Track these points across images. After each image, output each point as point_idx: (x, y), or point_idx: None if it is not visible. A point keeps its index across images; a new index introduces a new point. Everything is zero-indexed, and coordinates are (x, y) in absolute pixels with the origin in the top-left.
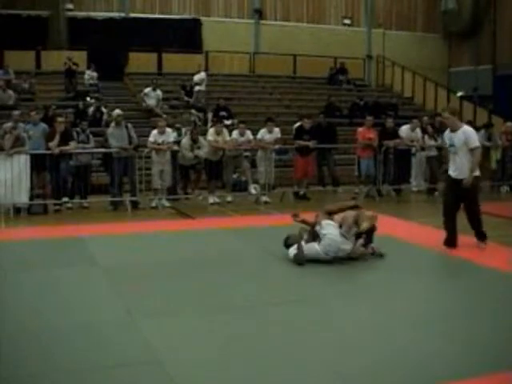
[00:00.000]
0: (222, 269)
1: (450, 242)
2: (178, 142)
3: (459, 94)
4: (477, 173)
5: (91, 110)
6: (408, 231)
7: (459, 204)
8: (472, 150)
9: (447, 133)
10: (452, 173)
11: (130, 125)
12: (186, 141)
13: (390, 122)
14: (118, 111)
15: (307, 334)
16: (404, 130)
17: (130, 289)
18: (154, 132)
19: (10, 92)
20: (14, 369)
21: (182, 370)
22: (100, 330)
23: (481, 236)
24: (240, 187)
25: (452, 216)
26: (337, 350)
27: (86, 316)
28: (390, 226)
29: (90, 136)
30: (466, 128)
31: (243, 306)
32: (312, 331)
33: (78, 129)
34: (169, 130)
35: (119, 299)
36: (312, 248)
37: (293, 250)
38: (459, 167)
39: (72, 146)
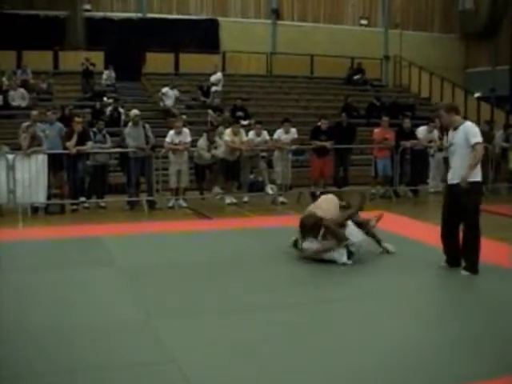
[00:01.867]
0: (238, 270)
1: (453, 261)
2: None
3: (476, 94)
4: (478, 177)
5: (108, 110)
6: (424, 233)
7: (458, 221)
8: (473, 147)
9: (450, 132)
10: (448, 178)
11: (147, 125)
12: (202, 141)
13: (407, 123)
14: (135, 111)
15: (323, 335)
16: (421, 130)
17: (147, 289)
18: (171, 132)
19: (22, 91)
20: (31, 367)
21: (197, 370)
22: (116, 330)
23: (471, 267)
24: (257, 187)
25: (449, 236)
26: (354, 352)
27: (102, 316)
28: (406, 227)
29: (107, 136)
30: (467, 124)
31: (259, 307)
32: (327, 333)
33: (95, 129)
34: (186, 130)
35: (135, 299)
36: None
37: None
38: (456, 169)
39: (89, 146)
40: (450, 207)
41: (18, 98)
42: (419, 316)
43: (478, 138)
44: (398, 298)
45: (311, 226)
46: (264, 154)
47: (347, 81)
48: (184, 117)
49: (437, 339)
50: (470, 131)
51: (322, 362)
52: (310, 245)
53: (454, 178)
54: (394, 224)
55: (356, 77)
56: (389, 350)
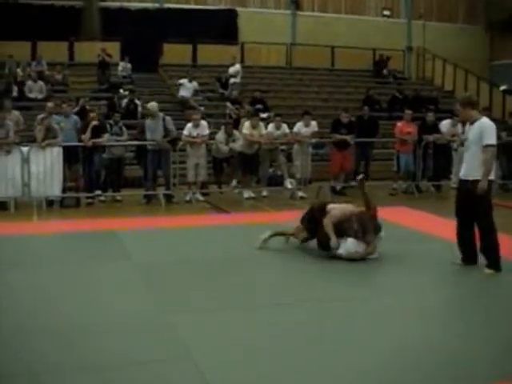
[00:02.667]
0: (253, 266)
1: (470, 259)
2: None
3: (502, 87)
4: (491, 176)
5: (124, 102)
6: (445, 229)
7: (472, 218)
8: (484, 148)
9: (466, 126)
10: (460, 174)
11: (168, 117)
12: (220, 134)
13: (430, 116)
14: (152, 104)
15: (339, 333)
16: (445, 124)
17: (162, 285)
18: (189, 125)
19: (41, 83)
20: (45, 362)
21: (213, 366)
22: (132, 325)
23: (493, 265)
24: (276, 182)
25: (464, 234)
26: (365, 351)
27: (118, 311)
28: (427, 223)
29: (124, 128)
30: (484, 120)
31: (270, 305)
32: (337, 333)
33: (111, 121)
34: (203, 122)
35: (151, 295)
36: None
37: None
38: (469, 165)
39: (105, 139)
40: (464, 204)
41: (36, 90)
42: (433, 315)
43: (492, 140)
44: (411, 295)
45: (318, 210)
46: (283, 147)
47: (374, 73)
48: (202, 109)
49: (449, 338)
50: (485, 130)
51: (329, 362)
52: (353, 247)
53: (465, 174)
54: (415, 220)
55: (385, 70)
56: (394, 351)
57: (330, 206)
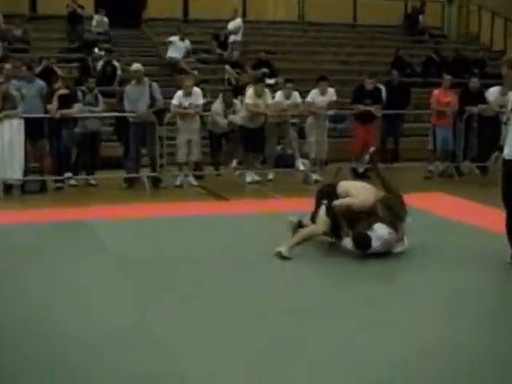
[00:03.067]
0: (256, 264)
1: None
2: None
3: None
4: None
5: (100, 64)
6: (490, 220)
7: None
8: None
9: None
10: (504, 153)
11: (154, 84)
12: (218, 104)
13: (474, 82)
14: (137, 65)
15: (359, 340)
16: (492, 92)
17: (147, 287)
18: (179, 93)
19: None
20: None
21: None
22: (111, 334)
23: None
24: (285, 162)
25: None
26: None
27: (94, 318)
28: (468, 213)
29: (99, 97)
30: None
31: (272, 311)
32: (354, 336)
33: (84, 88)
34: (197, 90)
35: (134, 299)
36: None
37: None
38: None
39: (76, 109)
40: (509, 188)
41: None
42: (474, 321)
43: None
44: (440, 299)
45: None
46: (294, 120)
47: (407, 29)
48: (195, 73)
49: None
50: None
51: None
52: (384, 231)
53: (509, 153)
54: (454, 209)
55: (419, 26)
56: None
57: (345, 185)
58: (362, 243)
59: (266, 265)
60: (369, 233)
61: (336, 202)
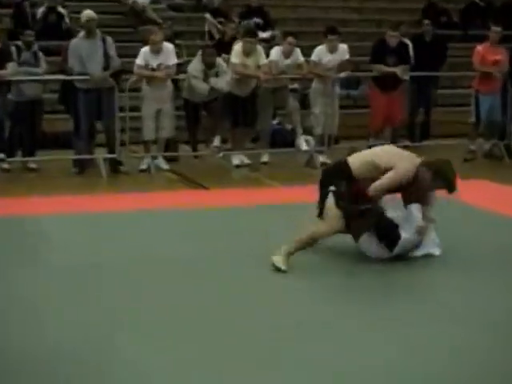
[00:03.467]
0: (242, 272)
1: None
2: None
3: None
4: None
5: (41, 11)
6: None
7: None
8: None
9: None
10: None
11: (109, 39)
12: (196, 65)
13: None
14: (89, 13)
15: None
16: None
17: (101, 300)
18: (145, 50)
19: None
20: None
21: None
22: (58, 361)
23: None
24: (283, 140)
25: None
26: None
27: (39, 339)
28: None
29: (40, 54)
30: None
31: (260, 328)
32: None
33: (20, 43)
34: (169, 46)
35: (86, 315)
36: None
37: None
38: None
39: (9, 71)
40: None
41: None
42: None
43: None
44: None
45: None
46: (295, 85)
47: None
48: (168, 23)
49: None
50: None
51: None
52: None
53: None
54: (502, 201)
55: None
56: None
57: (362, 158)
58: (389, 235)
59: (255, 274)
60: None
61: (372, 189)
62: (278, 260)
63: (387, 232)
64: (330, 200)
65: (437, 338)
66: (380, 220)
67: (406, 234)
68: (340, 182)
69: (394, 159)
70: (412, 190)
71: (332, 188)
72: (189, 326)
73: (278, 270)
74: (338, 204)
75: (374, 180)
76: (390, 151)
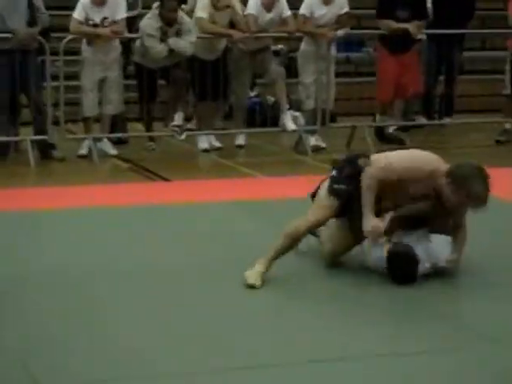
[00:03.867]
0: (212, 287)
1: None
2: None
3: None
4: None
5: None
6: None
7: None
8: None
9: None
10: None
11: None
12: (151, 20)
13: None
14: None
15: None
16: None
17: (27, 322)
18: (84, 1)
19: None
20: None
21: None
22: None
23: None
24: (263, 117)
25: None
26: None
27: None
28: None
29: None
30: None
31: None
32: None
33: None
34: None
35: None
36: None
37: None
38: None
39: None
40: None
41: None
42: None
43: None
44: None
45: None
46: (280, 47)
47: None
48: None
49: None
50: None
51: None
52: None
53: None
54: None
55: None
56: None
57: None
58: (405, 271)
59: (227, 290)
60: (417, 247)
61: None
62: (251, 275)
63: (401, 264)
64: (324, 186)
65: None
66: (395, 244)
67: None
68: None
69: (412, 159)
70: (437, 212)
71: (333, 173)
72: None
73: (252, 287)
74: (329, 188)
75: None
76: (419, 155)
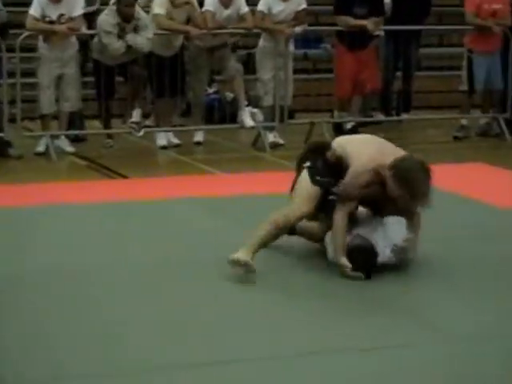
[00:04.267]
0: (175, 287)
1: None
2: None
3: None
4: None
5: None
6: None
7: None
8: None
9: None
10: None
11: None
12: (108, 17)
13: None
14: None
15: None
16: None
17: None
18: None
19: None
20: None
21: None
22: None
23: None
24: (222, 114)
25: None
26: None
27: None
28: None
29: None
30: None
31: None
32: None
33: None
34: None
35: None
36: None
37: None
38: None
39: None
40: None
41: None
42: None
43: None
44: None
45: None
46: (238, 43)
47: None
48: None
49: None
50: None
51: None
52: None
53: None
54: (503, 190)
55: None
56: None
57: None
58: (365, 264)
59: (181, 280)
60: (374, 235)
61: (338, 189)
62: (239, 255)
63: (361, 257)
64: (304, 177)
65: None
66: (354, 238)
67: (380, 259)
68: (316, 158)
69: (362, 150)
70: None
71: (307, 164)
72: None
73: (240, 264)
74: (313, 179)
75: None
76: (366, 141)
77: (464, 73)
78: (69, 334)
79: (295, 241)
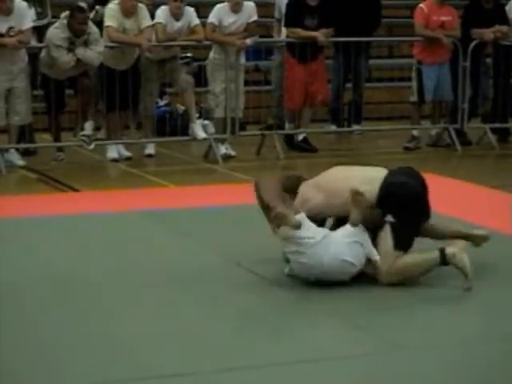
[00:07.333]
0: (127, 301)
1: None
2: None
3: None
4: None
5: None
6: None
7: None
8: None
9: None
10: None
11: None
12: (58, 30)
13: None
14: None
15: None
16: None
17: None
18: None
19: None
20: None
21: None
22: None
23: None
24: (173, 126)
25: None
26: None
27: None
28: (480, 206)
29: None
30: None
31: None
32: None
33: None
34: (22, 4)
35: None
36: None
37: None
38: None
39: None
40: None
41: None
42: None
43: None
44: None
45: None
46: (188, 54)
47: None
48: None
49: None
50: None
51: None
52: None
53: None
54: (452, 199)
55: None
56: None
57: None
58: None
59: (131, 296)
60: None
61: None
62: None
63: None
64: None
65: None
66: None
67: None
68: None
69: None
70: None
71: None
72: None
73: None
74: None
75: None
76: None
77: (414, 84)
78: None
79: None
